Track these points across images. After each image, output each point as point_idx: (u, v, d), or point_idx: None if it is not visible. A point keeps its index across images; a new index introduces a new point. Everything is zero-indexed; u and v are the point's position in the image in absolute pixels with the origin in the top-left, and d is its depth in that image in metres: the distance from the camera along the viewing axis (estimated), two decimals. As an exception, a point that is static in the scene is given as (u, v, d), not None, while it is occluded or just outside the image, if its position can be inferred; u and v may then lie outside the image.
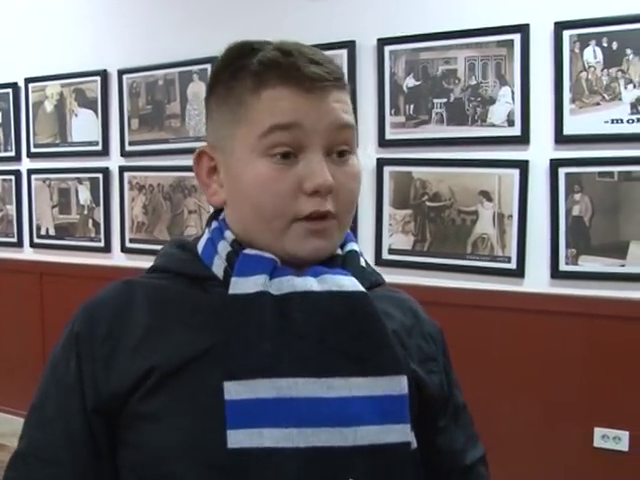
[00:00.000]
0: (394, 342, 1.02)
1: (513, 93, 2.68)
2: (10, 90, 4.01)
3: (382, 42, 2.92)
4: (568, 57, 2.58)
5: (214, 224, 1.10)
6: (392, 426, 0.97)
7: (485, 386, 2.78)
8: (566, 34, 2.58)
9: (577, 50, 2.57)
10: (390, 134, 2.93)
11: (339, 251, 1.08)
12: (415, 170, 2.89)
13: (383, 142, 2.95)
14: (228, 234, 1.06)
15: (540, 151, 2.66)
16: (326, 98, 1.00)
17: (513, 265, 2.72)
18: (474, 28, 2.73)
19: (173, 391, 0.96)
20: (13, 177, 4.03)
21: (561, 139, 2.62)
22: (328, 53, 3.03)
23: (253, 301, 0.98)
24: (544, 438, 2.68)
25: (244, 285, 1.00)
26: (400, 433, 0.97)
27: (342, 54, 2.98)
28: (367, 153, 2.95)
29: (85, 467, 0.99)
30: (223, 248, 1.05)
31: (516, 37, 2.66)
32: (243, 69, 1.03)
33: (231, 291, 1.00)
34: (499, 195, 2.73)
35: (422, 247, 2.90)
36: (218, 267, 1.05)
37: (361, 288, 1.02)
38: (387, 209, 2.95)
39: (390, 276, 2.97)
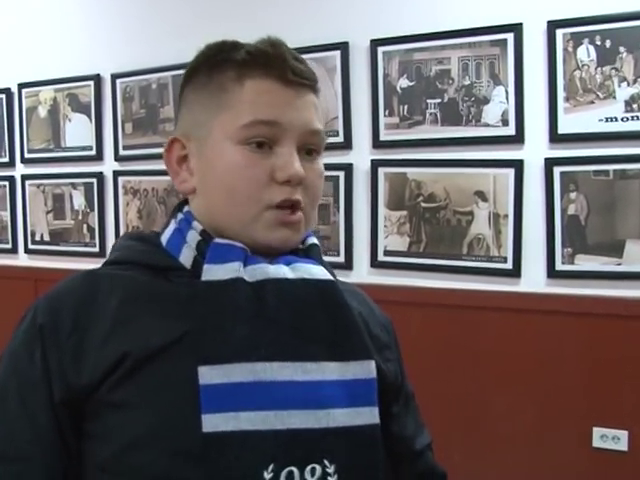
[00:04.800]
0: (362, 329, 1.07)
1: (507, 92, 2.68)
2: (3, 96, 4.00)
3: (375, 43, 2.91)
4: (561, 56, 2.58)
5: (179, 216, 1.13)
6: (362, 409, 1.01)
7: (482, 386, 2.77)
8: (559, 33, 2.57)
9: (570, 49, 2.56)
10: (384, 135, 2.92)
11: (300, 245, 1.13)
12: (410, 171, 2.89)
13: (377, 143, 2.94)
14: (196, 224, 1.09)
15: (535, 150, 2.65)
16: (304, 97, 1.08)
17: (509, 265, 2.71)
18: (467, 28, 2.73)
19: (144, 378, 0.96)
20: (7, 183, 4.01)
21: (556, 138, 2.61)
22: (321, 54, 3.05)
23: (228, 287, 1.00)
24: (542, 438, 2.67)
25: (218, 272, 1.02)
26: (369, 416, 1.02)
27: (335, 55, 2.98)
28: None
29: (54, 462, 0.98)
30: (192, 238, 1.07)
31: (509, 36, 2.65)
32: (226, 61, 1.08)
33: (204, 278, 1.01)
34: (494, 195, 2.72)
35: (418, 248, 2.89)
36: (186, 257, 1.06)
37: (330, 277, 1.08)
38: (382, 210, 2.94)
39: (386, 277, 3.01)
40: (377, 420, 1.02)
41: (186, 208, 1.13)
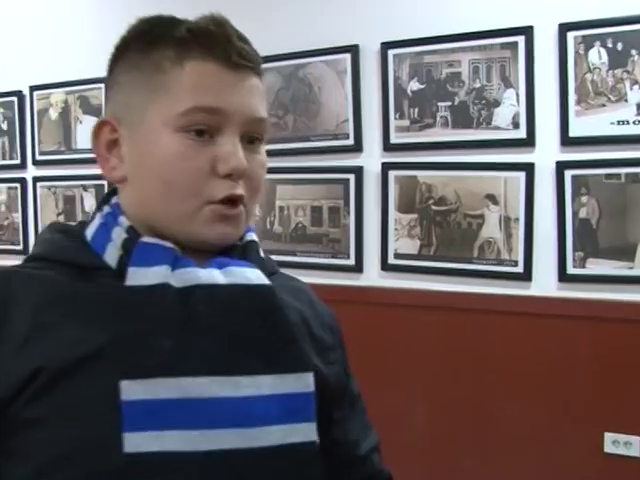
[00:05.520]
0: (300, 338, 1.00)
1: (518, 95, 2.66)
2: (15, 98, 4.01)
3: (386, 46, 2.90)
4: (573, 58, 2.56)
5: (106, 209, 1.04)
6: (298, 425, 0.95)
7: (492, 390, 2.76)
8: (570, 35, 2.56)
9: (582, 51, 2.55)
10: (395, 138, 2.92)
11: (237, 241, 1.06)
12: (420, 174, 2.88)
13: (388, 146, 2.93)
14: (123, 220, 1.00)
15: (546, 153, 2.64)
16: (249, 81, 1.00)
17: (520, 269, 2.70)
18: (478, 31, 2.72)
19: (63, 393, 0.88)
20: (19, 185, 4.03)
21: (567, 141, 2.59)
22: (332, 57, 3.05)
23: (153, 293, 0.93)
24: (553, 444, 2.65)
25: (143, 276, 0.94)
26: (306, 432, 0.96)
27: (346, 58, 2.97)
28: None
29: None
30: (118, 235, 0.99)
31: (520, 39, 2.64)
32: (164, 37, 0.99)
33: (128, 282, 0.94)
34: (505, 198, 2.71)
35: (428, 251, 2.88)
36: (111, 256, 0.98)
37: (266, 281, 1.00)
38: (392, 213, 2.94)
39: (396, 281, 3.00)
40: (314, 437, 0.97)
41: (114, 200, 1.04)
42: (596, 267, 2.58)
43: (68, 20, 3.82)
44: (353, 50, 2.96)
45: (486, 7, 2.72)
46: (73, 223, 1.10)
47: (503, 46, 2.68)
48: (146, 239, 0.97)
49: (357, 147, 2.99)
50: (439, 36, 2.79)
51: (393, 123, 2.92)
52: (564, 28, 2.57)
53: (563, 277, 2.63)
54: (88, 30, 3.75)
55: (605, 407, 2.59)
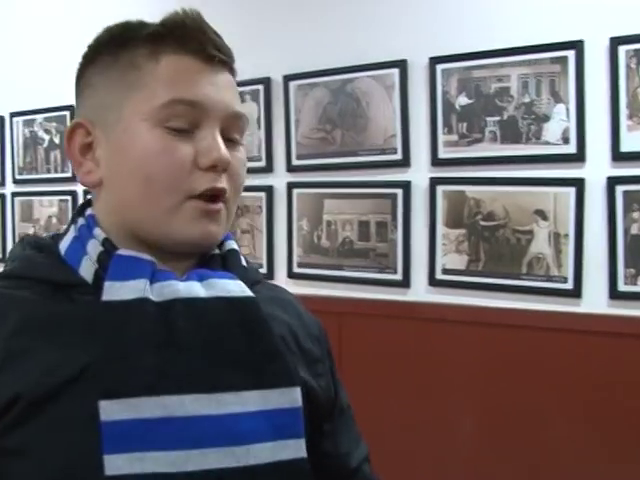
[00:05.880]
0: (285, 351, 0.97)
1: (568, 110, 2.64)
2: (67, 113, 4.07)
3: (434, 60, 2.89)
4: (624, 73, 2.53)
5: (80, 221, 1.01)
6: (286, 441, 0.92)
7: (540, 408, 2.72)
8: (622, 49, 2.53)
9: (633, 65, 2.52)
10: (443, 153, 2.90)
11: (217, 250, 1.03)
12: (468, 189, 2.86)
13: (436, 161, 2.92)
14: (98, 232, 0.97)
15: (596, 169, 2.61)
16: (225, 76, 0.98)
17: (570, 285, 2.67)
18: (527, 45, 2.70)
19: (42, 420, 0.85)
20: (69, 198, 4.09)
21: (618, 156, 2.56)
22: (380, 72, 3.05)
23: (132, 309, 0.90)
24: (604, 467, 2.60)
25: (120, 290, 0.91)
26: (295, 449, 0.93)
27: (394, 73, 2.97)
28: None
29: None
30: (93, 248, 0.96)
31: (570, 53, 2.62)
32: (135, 38, 0.97)
33: (105, 297, 0.91)
34: (555, 214, 2.68)
35: (476, 267, 2.86)
36: (87, 270, 0.95)
37: (249, 293, 0.98)
38: (440, 228, 2.92)
39: (444, 296, 2.98)
40: (303, 454, 0.94)
41: (88, 211, 1.01)
42: (648, 284, 2.55)
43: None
44: (401, 65, 2.96)
45: (535, 21, 2.70)
46: (46, 235, 1.06)
47: (553, 60, 2.66)
48: (123, 252, 0.95)
49: (405, 162, 2.98)
50: (488, 51, 2.78)
51: (441, 138, 2.91)
52: (615, 42, 2.54)
53: (614, 294, 2.59)
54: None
55: (658, 427, 2.55)
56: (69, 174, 4.07)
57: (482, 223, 2.84)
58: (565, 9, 2.64)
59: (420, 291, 2.98)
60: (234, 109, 0.99)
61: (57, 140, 4.14)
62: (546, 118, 2.68)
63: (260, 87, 3.29)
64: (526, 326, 2.74)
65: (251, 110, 3.36)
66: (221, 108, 0.97)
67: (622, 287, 2.58)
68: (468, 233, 2.87)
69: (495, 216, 2.81)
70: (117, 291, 0.91)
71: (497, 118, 2.79)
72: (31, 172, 4.28)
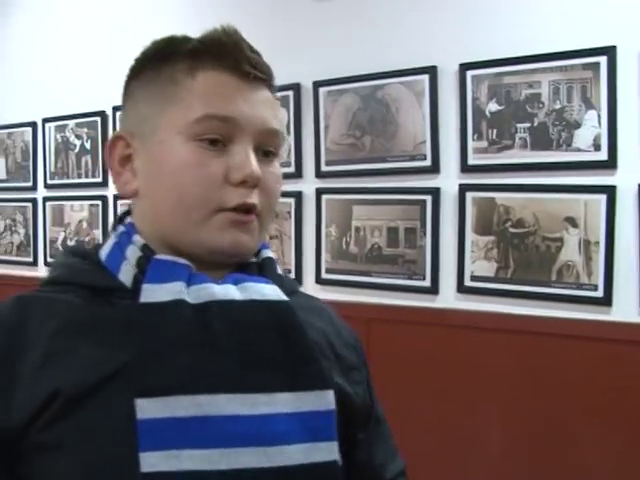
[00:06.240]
0: (319, 355, 0.98)
1: (599, 117, 2.62)
2: (98, 118, 4.11)
3: (464, 67, 2.89)
4: (657, 79, 2.52)
5: (120, 228, 1.04)
6: (319, 444, 0.93)
7: (569, 416, 2.70)
8: (655, 56, 2.51)
9: (667, 72, 2.50)
10: (473, 159, 2.89)
11: (254, 259, 1.05)
12: (498, 196, 2.85)
13: (466, 167, 2.91)
14: (137, 238, 1.00)
15: (628, 176, 2.58)
16: (260, 92, 1.00)
17: (600, 293, 2.64)
18: (558, 51, 2.68)
19: (80, 416, 0.87)
20: (100, 202, 4.12)
21: (651, 163, 2.54)
22: (410, 78, 3.04)
23: (169, 310, 0.92)
24: (632, 476, 2.57)
25: (158, 293, 0.93)
26: (327, 451, 0.94)
27: (424, 79, 2.97)
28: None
29: None
30: (132, 253, 0.99)
31: (602, 59, 2.60)
32: (176, 53, 1.00)
33: (143, 299, 0.93)
34: (585, 221, 2.66)
35: (505, 274, 2.84)
36: (126, 274, 0.98)
37: (284, 297, 0.99)
38: (469, 235, 2.91)
39: (473, 303, 2.96)
40: (336, 456, 0.94)
41: (128, 219, 1.05)
42: (680, 293, 2.52)
43: (147, 42, 3.91)
44: (431, 71, 2.95)
45: (567, 27, 2.69)
46: (88, 246, 1.09)
47: (585, 67, 2.64)
48: (160, 256, 0.97)
49: (434, 168, 2.97)
50: (518, 57, 2.77)
51: (471, 144, 2.90)
52: (649, 48, 2.52)
53: (645, 302, 2.57)
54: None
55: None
56: (99, 179, 4.11)
57: (511, 230, 2.82)
58: (597, 15, 2.63)
59: (448, 298, 2.97)
60: (268, 125, 1.00)
61: (88, 145, 4.18)
62: (577, 125, 2.67)
63: (290, 93, 3.30)
64: (555, 334, 2.72)
65: (282, 116, 3.37)
66: (255, 124, 0.98)
67: (654, 295, 2.56)
68: (497, 240, 2.85)
69: (525, 223, 2.79)
70: (154, 293, 0.93)
71: (527, 124, 2.77)
72: (62, 177, 4.32)
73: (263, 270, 1.04)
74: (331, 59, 3.21)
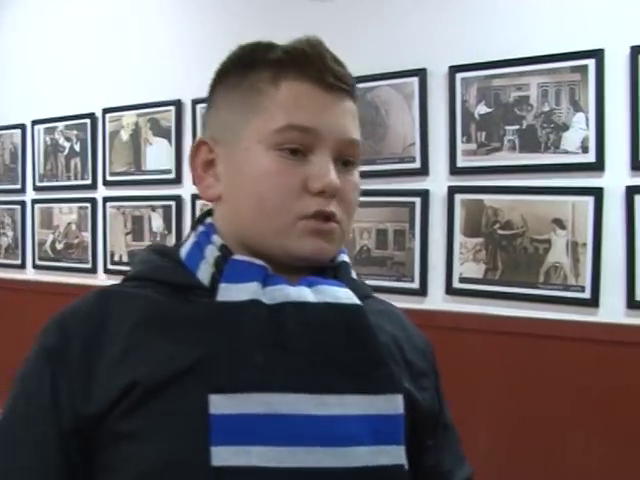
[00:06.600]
0: (390, 359, 0.99)
1: (587, 119, 2.64)
2: (88, 120, 4.11)
3: (453, 69, 2.90)
4: (645, 81, 2.53)
5: (201, 228, 1.07)
6: (386, 447, 0.93)
7: (556, 417, 2.71)
8: (642, 58, 2.53)
9: (654, 74, 2.52)
10: (461, 161, 2.91)
11: (329, 262, 1.05)
12: (487, 198, 2.86)
13: (454, 170, 2.92)
14: (216, 238, 1.03)
15: (615, 178, 2.60)
16: (343, 103, 1.01)
17: (587, 294, 2.66)
18: (547, 54, 2.70)
19: (155, 408, 0.90)
20: (89, 205, 4.12)
21: (637, 165, 2.55)
22: (399, 81, 3.05)
23: (244, 309, 0.94)
24: (617, 476, 2.58)
25: (234, 292, 0.96)
26: (394, 455, 0.94)
27: (413, 82, 2.98)
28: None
29: None
30: (211, 253, 1.01)
31: (590, 62, 2.62)
32: (261, 60, 1.02)
33: (220, 298, 0.96)
34: (573, 223, 2.67)
35: (494, 276, 2.86)
36: (204, 273, 1.00)
37: (357, 301, 1.00)
38: (458, 237, 2.92)
39: (461, 305, 2.98)
40: (403, 460, 0.95)
41: (208, 220, 1.08)
42: (666, 294, 2.54)
43: (140, 45, 3.92)
44: (421, 74, 2.97)
45: (555, 30, 2.71)
46: (169, 245, 1.12)
47: (573, 69, 2.66)
48: (238, 257, 0.99)
49: (423, 170, 2.98)
50: (507, 59, 2.79)
51: (460, 147, 2.91)
52: (636, 51, 2.53)
53: (632, 303, 2.58)
54: (159, 54, 3.84)
55: (675, 438, 2.53)
56: (89, 181, 4.12)
57: (500, 232, 2.83)
58: (585, 18, 2.65)
59: (437, 300, 2.98)
60: (348, 135, 1.02)
61: (78, 147, 4.18)
62: (565, 127, 2.68)
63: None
64: (543, 335, 2.73)
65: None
66: (335, 135, 1.00)
67: (640, 297, 2.57)
68: (486, 242, 2.87)
69: (513, 225, 2.80)
70: (231, 292, 0.96)
71: (516, 127, 2.79)
72: (51, 179, 4.32)
73: (338, 274, 1.06)
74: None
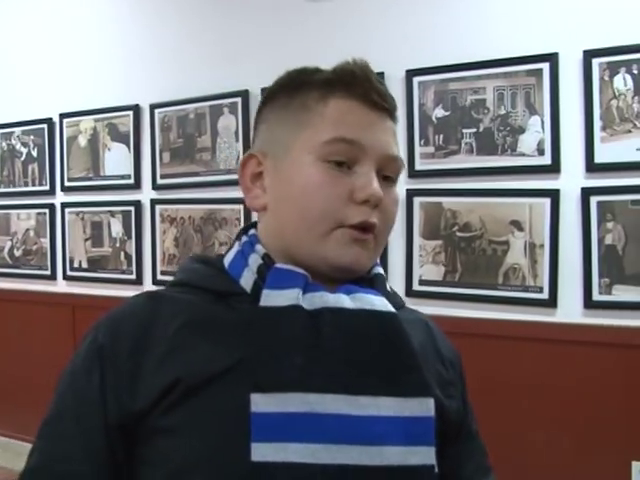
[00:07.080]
0: (422, 365, 1.02)
1: (543, 122, 2.67)
2: (45, 125, 4.08)
3: (411, 73, 2.92)
4: (598, 85, 2.57)
5: (244, 238, 1.12)
6: (418, 448, 0.97)
7: (518, 418, 2.74)
8: (595, 62, 2.57)
9: (607, 78, 2.55)
10: (420, 164, 2.93)
11: (364, 274, 1.09)
12: (445, 200, 2.89)
13: (413, 173, 2.94)
14: (259, 247, 1.07)
15: (571, 180, 2.64)
16: (385, 122, 1.07)
17: (545, 295, 2.69)
18: (502, 58, 2.73)
19: (196, 404, 0.95)
20: (47, 211, 4.08)
21: (592, 167, 2.59)
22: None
23: (286, 314, 0.98)
24: (580, 473, 2.62)
25: (277, 298, 1.00)
26: (425, 455, 0.97)
27: (371, 85, 2.98)
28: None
29: None
30: (254, 261, 1.06)
31: (545, 66, 2.65)
32: (309, 82, 1.07)
33: (263, 303, 1.00)
34: (530, 225, 2.71)
35: (453, 278, 2.88)
36: (247, 280, 1.05)
37: (391, 309, 1.03)
38: (417, 240, 2.94)
39: (421, 307, 2.95)
40: (433, 461, 0.98)
41: (252, 231, 1.12)
42: (622, 294, 2.57)
43: (97, 49, 3.89)
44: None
45: (511, 34, 2.74)
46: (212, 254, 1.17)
47: (528, 73, 2.69)
48: (280, 265, 1.03)
49: (382, 174, 2.99)
50: (464, 63, 2.81)
51: (418, 150, 2.93)
52: (589, 55, 2.57)
53: (589, 304, 2.62)
54: (116, 59, 3.81)
55: (633, 435, 2.56)
56: (47, 187, 4.08)
57: (458, 234, 2.86)
58: (540, 22, 2.68)
59: (397, 302, 2.99)
60: (390, 152, 1.06)
61: (35, 153, 4.14)
62: (521, 130, 2.71)
63: (238, 100, 3.31)
64: (502, 336, 2.76)
65: (229, 123, 3.38)
66: (378, 149, 1.03)
67: (597, 297, 2.61)
68: (445, 244, 2.89)
69: (471, 227, 2.83)
70: (273, 298, 1.00)
71: (473, 130, 2.81)
72: (8, 185, 4.27)
73: (374, 285, 1.09)
74: (278, 65, 3.21)
